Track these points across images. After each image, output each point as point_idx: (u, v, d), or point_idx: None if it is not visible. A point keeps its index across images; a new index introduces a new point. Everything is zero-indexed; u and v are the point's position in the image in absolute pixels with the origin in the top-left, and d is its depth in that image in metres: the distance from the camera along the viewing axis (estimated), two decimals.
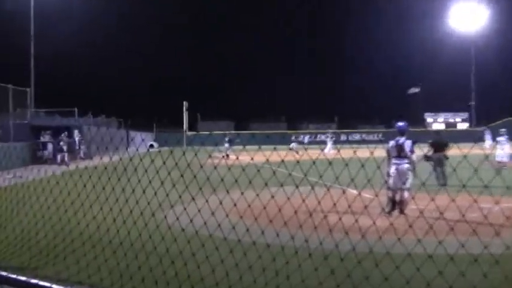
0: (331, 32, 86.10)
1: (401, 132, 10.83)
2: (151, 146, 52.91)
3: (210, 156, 5.31)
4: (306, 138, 60.68)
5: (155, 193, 5.76)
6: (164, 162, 5.35)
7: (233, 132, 54.67)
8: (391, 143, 10.78)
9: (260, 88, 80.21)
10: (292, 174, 4.99)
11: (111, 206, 6.36)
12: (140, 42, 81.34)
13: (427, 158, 15.19)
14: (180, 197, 5.57)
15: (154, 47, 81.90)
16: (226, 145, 31.92)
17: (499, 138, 22.22)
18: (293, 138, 36.81)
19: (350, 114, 77.29)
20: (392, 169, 10.56)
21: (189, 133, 55.52)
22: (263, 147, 4.81)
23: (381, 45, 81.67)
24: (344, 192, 5.04)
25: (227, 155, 30.23)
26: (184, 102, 56.51)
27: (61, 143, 29.66)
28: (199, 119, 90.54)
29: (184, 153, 5.30)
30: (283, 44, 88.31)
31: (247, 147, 5.02)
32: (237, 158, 4.91)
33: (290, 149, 32.37)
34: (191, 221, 5.50)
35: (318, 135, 65.06)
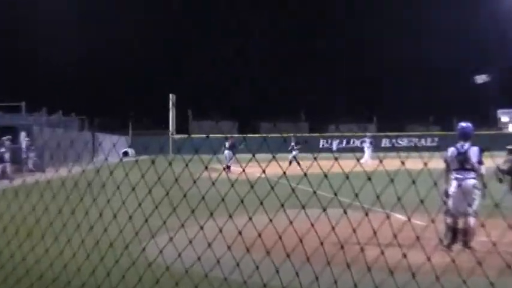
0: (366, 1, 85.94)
1: (465, 136, 10.76)
2: (125, 153, 53.08)
3: (206, 167, 5.31)
4: (335, 144, 60.77)
5: (130, 217, 5.76)
6: (143, 176, 5.36)
7: (236, 135, 54.72)
8: (451, 150, 10.72)
9: (271, 76, 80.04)
10: (317, 193, 4.98)
11: (70, 235, 6.38)
12: (110, 18, 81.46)
13: (502, 172, 15.03)
14: (164, 223, 5.57)
15: (130, 24, 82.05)
16: (227, 152, 31.89)
17: None
18: (292, 143, 35.93)
19: (395, 111, 76.99)
20: (453, 186, 10.49)
21: (177, 136, 55.67)
22: (278, 155, 4.81)
23: (435, 17, 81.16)
24: (388, 217, 5.02)
25: (228, 166, 30.24)
26: (170, 95, 56.73)
27: (1, 150, 29.77)
28: (191, 117, 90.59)
29: (170, 164, 5.30)
30: (301, 20, 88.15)
31: (257, 155, 5.02)
32: (243, 171, 4.90)
33: (295, 161, 32.19)
34: (180, 255, 5.49)
35: (352, 140, 65.09)
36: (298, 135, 38.98)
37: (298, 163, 31.88)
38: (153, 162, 5.35)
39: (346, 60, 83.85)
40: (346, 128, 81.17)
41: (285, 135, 48.25)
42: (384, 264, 4.98)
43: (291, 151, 35.09)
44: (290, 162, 31.27)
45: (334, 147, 60.77)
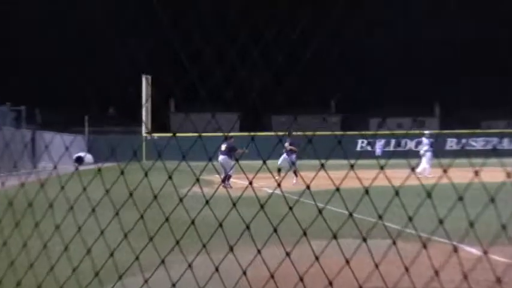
0: None
1: None
2: (79, 159, 53.18)
3: (197, 180, 5.32)
4: (379, 147, 60.61)
5: (89, 251, 5.78)
6: (108, 191, 5.37)
7: (237, 134, 54.69)
8: None
9: (289, 49, 79.97)
10: (354, 216, 4.98)
11: (0, 276, 6.38)
12: None
13: None
14: (137, 258, 5.58)
15: None
16: (221, 159, 31.78)
17: None
18: (286, 143, 33.87)
19: (465, 100, 76.90)
20: None
21: (155, 135, 55.71)
22: (301, 163, 4.81)
23: None
24: (455, 250, 5.01)
25: (227, 177, 30.23)
26: (143, 76, 56.76)
27: None
28: (173, 108, 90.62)
29: (146, 175, 5.31)
30: None
31: (270, 162, 5.03)
32: (250, 184, 4.90)
33: (279, 170, 31.81)
34: None
35: (404, 141, 64.92)
36: (295, 133, 37.46)
37: (295, 172, 31.64)
38: (122, 172, 5.35)
39: (395, 29, 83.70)
40: (394, 123, 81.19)
41: (308, 133, 47.82)
42: None
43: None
44: (296, 174, 31.02)
45: (378, 150, 60.76)
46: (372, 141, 67.34)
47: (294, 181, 30.52)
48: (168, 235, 5.50)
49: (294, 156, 33.56)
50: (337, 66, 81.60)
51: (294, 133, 34.80)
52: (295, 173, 31.20)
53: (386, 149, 64.08)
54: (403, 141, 65.63)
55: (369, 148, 65.92)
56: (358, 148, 65.72)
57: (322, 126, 74.85)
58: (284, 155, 33.49)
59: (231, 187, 28.74)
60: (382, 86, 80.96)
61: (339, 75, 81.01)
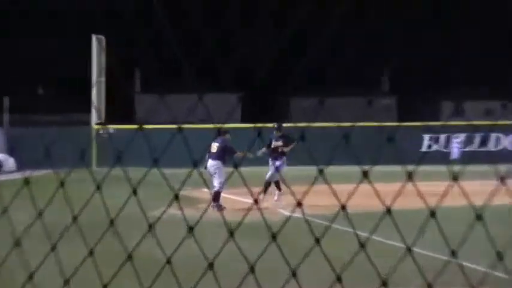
0: None
1: None
2: None
3: (176, 197, 5.39)
4: (457, 146, 60.61)
5: None
6: (41, 214, 5.44)
7: (236, 126, 54.78)
8: None
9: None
10: (415, 252, 5.04)
11: None
12: None
13: None
14: None
15: None
16: (211, 165, 31.82)
17: None
18: (273, 140, 32.35)
19: None
20: None
21: (112, 128, 55.80)
22: (331, 170, 4.89)
23: None
24: None
25: (217, 195, 30.33)
26: (93, 38, 56.97)
27: None
28: (140, 85, 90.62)
29: (99, 188, 5.36)
30: None
31: (288, 168, 5.11)
32: (255, 202, 4.99)
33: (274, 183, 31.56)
34: None
35: (494, 137, 64.70)
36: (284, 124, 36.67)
37: (277, 185, 31.87)
38: (62, 184, 5.43)
39: None
40: (479, 107, 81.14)
41: (344, 124, 48.23)
42: None
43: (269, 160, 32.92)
44: (266, 187, 30.62)
45: (456, 152, 60.59)
46: (446, 138, 66.53)
47: (276, 197, 30.39)
48: (131, 280, 5.57)
49: (281, 160, 32.57)
50: (392, 23, 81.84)
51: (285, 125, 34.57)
52: (277, 185, 30.84)
53: (467, 149, 63.42)
54: (493, 137, 65.09)
55: (439, 148, 65.23)
56: (424, 148, 64.80)
57: (366, 114, 75.06)
58: (270, 163, 32.50)
59: (223, 208, 28.75)
60: (459, 53, 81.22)
61: (395, 38, 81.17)
